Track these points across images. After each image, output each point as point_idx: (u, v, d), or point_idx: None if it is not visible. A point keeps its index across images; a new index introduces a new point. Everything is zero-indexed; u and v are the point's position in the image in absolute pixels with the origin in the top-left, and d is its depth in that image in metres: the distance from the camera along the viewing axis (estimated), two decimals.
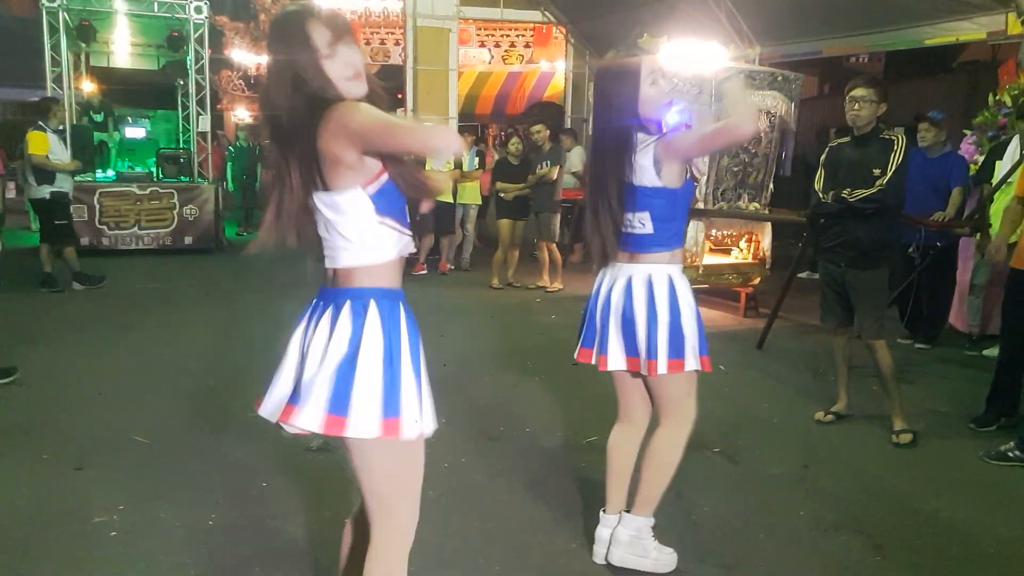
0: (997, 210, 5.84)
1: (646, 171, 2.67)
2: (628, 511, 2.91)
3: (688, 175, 2.77)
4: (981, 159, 6.49)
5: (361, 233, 1.89)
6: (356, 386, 1.83)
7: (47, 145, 7.76)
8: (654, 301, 2.69)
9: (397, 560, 2.01)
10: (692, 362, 2.72)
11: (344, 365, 1.84)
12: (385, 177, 1.86)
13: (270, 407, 1.97)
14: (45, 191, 7.88)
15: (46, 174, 7.83)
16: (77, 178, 8.88)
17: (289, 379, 1.95)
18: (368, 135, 1.79)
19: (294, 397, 1.89)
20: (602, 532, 2.95)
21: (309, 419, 1.85)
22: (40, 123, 7.90)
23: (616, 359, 2.80)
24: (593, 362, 2.87)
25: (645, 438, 2.95)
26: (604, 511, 2.98)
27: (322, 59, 1.83)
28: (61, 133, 8.36)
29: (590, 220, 2.79)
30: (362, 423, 1.83)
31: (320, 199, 1.89)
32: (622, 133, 2.69)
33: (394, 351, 1.87)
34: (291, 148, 1.86)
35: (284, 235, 1.98)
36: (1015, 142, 6.00)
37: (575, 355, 2.96)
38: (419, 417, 1.89)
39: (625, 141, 2.68)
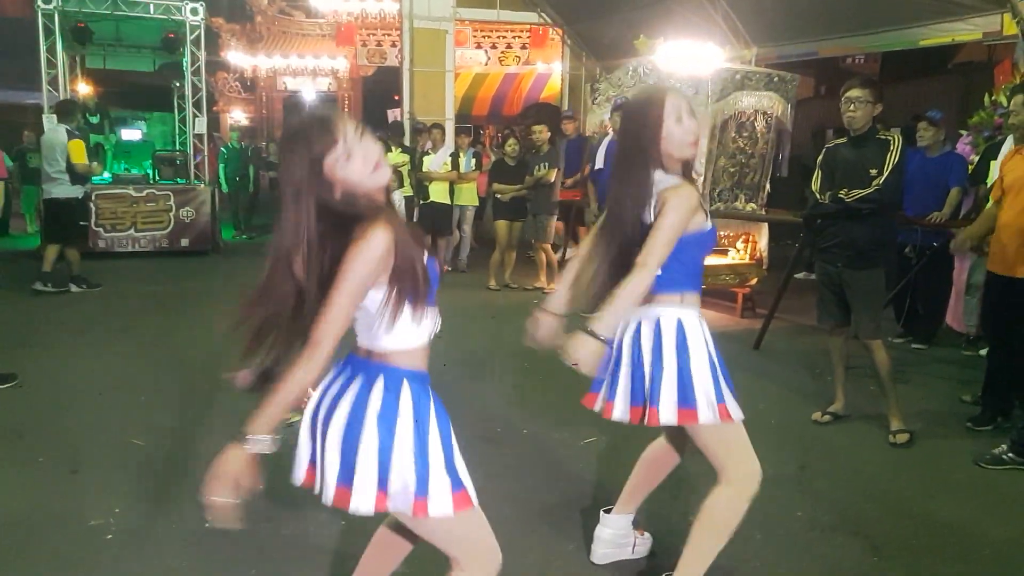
0: None
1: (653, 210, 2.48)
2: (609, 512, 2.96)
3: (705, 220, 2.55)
4: (977, 159, 6.51)
5: (387, 326, 1.88)
6: (394, 464, 1.88)
7: (84, 154, 8.10)
8: (661, 346, 2.50)
9: None
10: (707, 413, 2.48)
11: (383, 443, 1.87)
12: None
13: (318, 485, 2.02)
14: (78, 192, 8.23)
15: (79, 177, 8.13)
16: None
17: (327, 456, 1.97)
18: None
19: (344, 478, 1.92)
20: (602, 532, 2.96)
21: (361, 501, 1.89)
22: (69, 129, 8.11)
23: (621, 408, 2.59)
24: (597, 408, 2.67)
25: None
26: (605, 511, 2.98)
27: (342, 162, 1.78)
28: (80, 134, 8.40)
29: (604, 256, 2.59)
30: (437, 502, 1.90)
31: None
32: (643, 171, 2.50)
33: (422, 429, 1.91)
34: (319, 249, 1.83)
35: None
36: (1009, 142, 6.02)
37: (581, 398, 2.75)
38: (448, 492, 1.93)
39: (645, 178, 2.49)
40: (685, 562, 2.62)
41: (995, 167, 6.03)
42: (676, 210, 2.38)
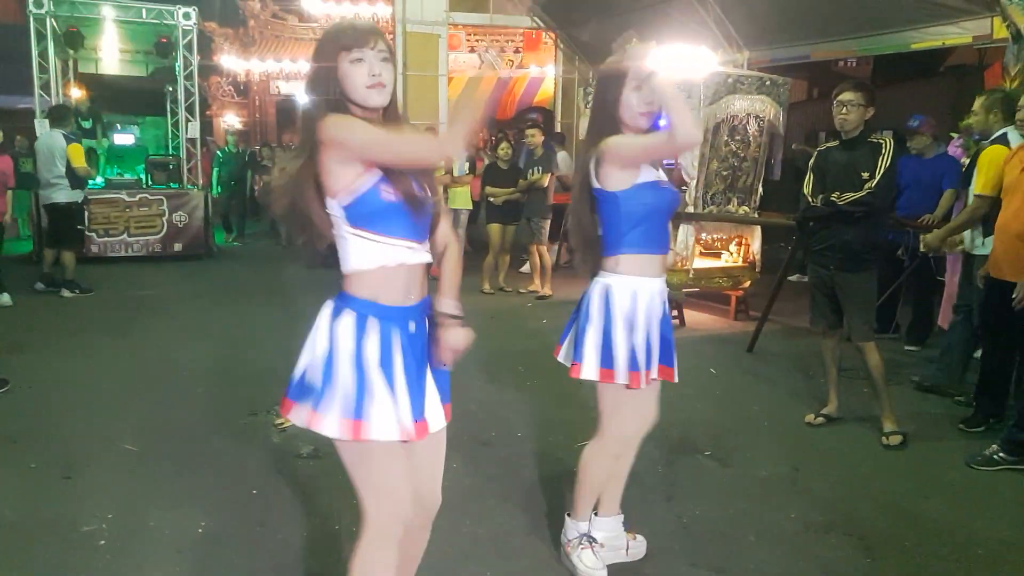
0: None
1: (593, 174, 2.66)
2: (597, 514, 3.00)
3: (655, 180, 2.68)
4: (967, 162, 6.54)
5: (343, 241, 1.99)
6: (330, 386, 1.95)
7: (83, 154, 8.23)
8: (589, 307, 2.71)
9: (369, 552, 2.06)
10: (620, 375, 2.66)
11: (325, 364, 1.97)
12: (363, 188, 1.92)
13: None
14: (79, 195, 8.34)
15: (80, 180, 8.24)
16: None
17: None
18: (359, 147, 1.89)
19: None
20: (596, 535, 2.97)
21: (297, 415, 2.00)
22: (65, 134, 8.21)
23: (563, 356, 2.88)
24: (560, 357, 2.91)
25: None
26: (596, 513, 3.00)
27: (346, 62, 1.93)
28: (75, 138, 8.41)
29: (572, 226, 2.79)
30: (327, 422, 1.95)
31: (328, 207, 1.98)
32: (594, 136, 2.66)
33: (363, 357, 1.95)
34: (305, 152, 1.95)
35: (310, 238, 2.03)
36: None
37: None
38: (385, 422, 1.95)
39: (595, 144, 2.64)
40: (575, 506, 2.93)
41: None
42: (619, 138, 2.60)
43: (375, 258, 1.98)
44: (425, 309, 2.10)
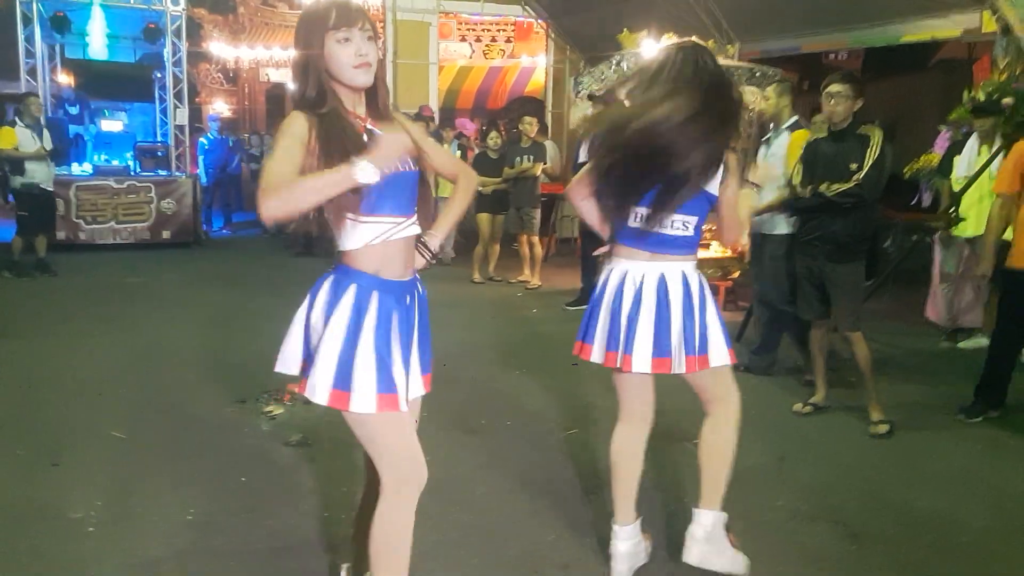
0: (968, 205, 5.96)
1: (717, 179, 2.60)
2: (698, 507, 2.84)
3: None
4: (941, 156, 6.62)
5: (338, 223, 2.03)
6: (319, 358, 2.03)
7: (14, 139, 8.10)
8: (691, 298, 2.64)
9: (388, 514, 2.17)
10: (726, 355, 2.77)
11: (325, 338, 2.05)
12: None
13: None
14: (17, 182, 8.23)
15: (17, 166, 8.17)
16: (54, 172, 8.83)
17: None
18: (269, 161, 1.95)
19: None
20: (620, 547, 2.79)
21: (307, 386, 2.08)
22: (15, 118, 8.21)
23: (643, 361, 2.62)
24: (617, 364, 2.68)
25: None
26: (617, 523, 2.82)
27: (332, 41, 1.95)
28: (36, 126, 8.29)
29: (613, 204, 2.64)
30: (318, 391, 2.03)
31: None
32: (721, 141, 2.56)
33: (355, 329, 2.02)
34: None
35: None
36: (974, 138, 6.13)
37: (586, 353, 2.77)
38: (373, 391, 2.01)
39: (720, 149, 2.57)
40: (712, 493, 2.85)
41: (958, 163, 6.16)
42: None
43: (364, 236, 2.03)
44: (416, 283, 2.19)
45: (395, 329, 2.07)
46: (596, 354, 2.74)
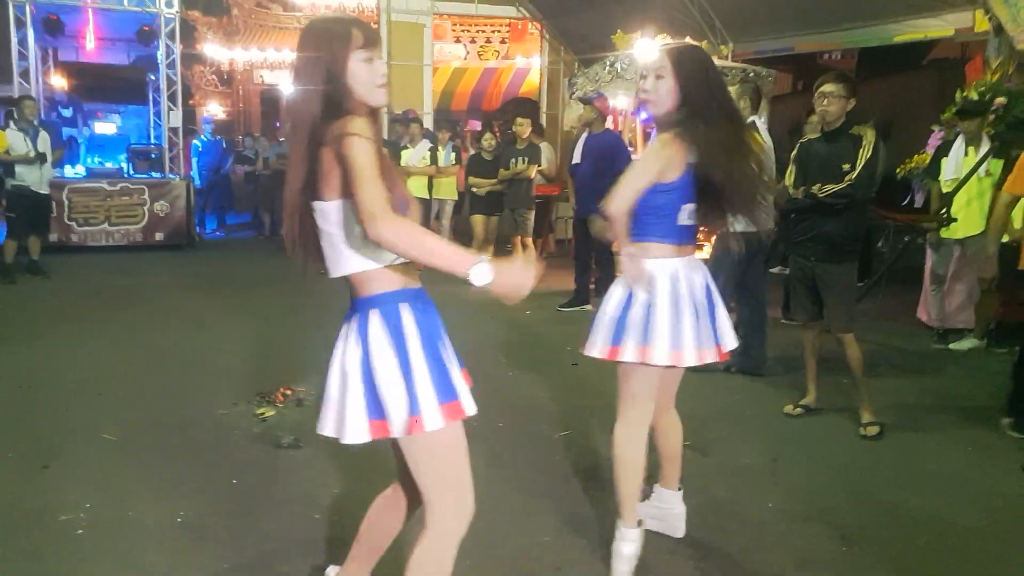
0: (958, 207, 5.98)
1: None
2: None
3: None
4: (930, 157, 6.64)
5: (357, 241, 1.95)
6: (382, 391, 1.95)
7: (4, 142, 8.14)
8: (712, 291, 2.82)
9: (439, 548, 2.12)
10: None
11: (365, 375, 1.97)
12: None
13: (331, 426, 2.07)
14: (8, 184, 8.26)
15: (8, 168, 8.20)
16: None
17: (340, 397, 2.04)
18: (349, 170, 1.84)
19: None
20: (626, 549, 2.80)
21: (356, 431, 1.98)
22: (8, 121, 8.30)
23: (726, 347, 2.86)
24: (694, 361, 2.70)
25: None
26: (625, 525, 2.81)
27: (357, 61, 1.94)
28: (28, 130, 8.28)
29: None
30: (396, 424, 1.95)
31: (316, 208, 1.97)
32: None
33: (401, 352, 1.96)
34: (302, 145, 1.95)
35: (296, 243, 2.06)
36: (960, 140, 6.15)
37: (650, 356, 2.67)
38: (437, 407, 1.96)
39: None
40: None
41: (946, 164, 6.17)
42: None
43: (388, 255, 1.96)
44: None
45: (438, 334, 2.07)
46: (689, 356, 2.69)
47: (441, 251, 1.84)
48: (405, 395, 1.94)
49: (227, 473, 3.62)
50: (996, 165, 6.01)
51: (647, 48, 7.64)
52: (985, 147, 6.03)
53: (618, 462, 2.82)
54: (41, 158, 8.27)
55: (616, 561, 2.80)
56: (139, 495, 3.38)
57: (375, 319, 1.97)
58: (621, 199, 2.58)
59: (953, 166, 6.15)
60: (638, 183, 2.60)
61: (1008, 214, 4.46)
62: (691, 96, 2.61)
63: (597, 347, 2.76)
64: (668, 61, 2.62)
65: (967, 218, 5.97)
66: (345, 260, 1.99)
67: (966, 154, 6.11)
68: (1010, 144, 5.85)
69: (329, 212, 1.95)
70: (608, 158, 6.96)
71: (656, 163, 2.63)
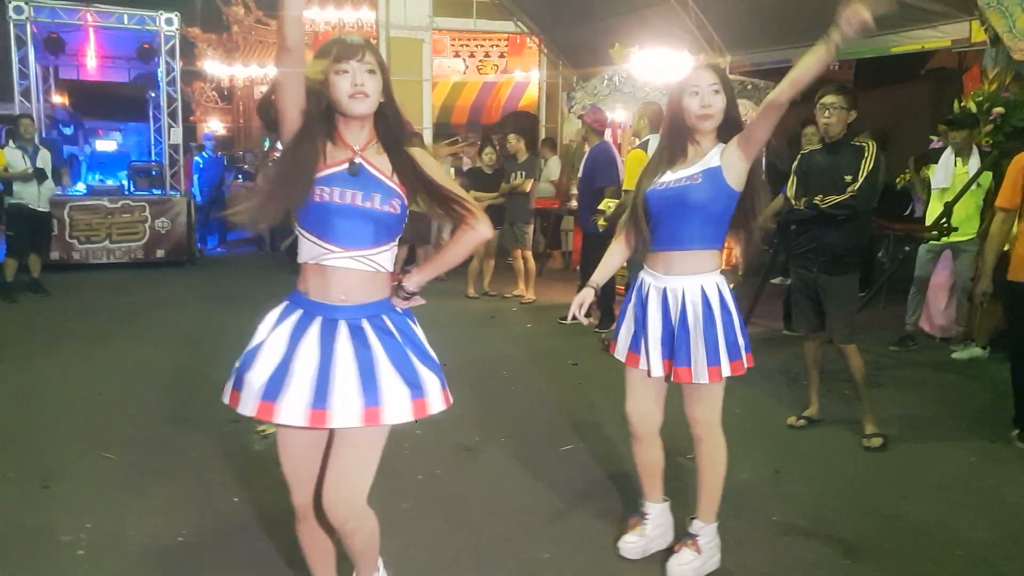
0: (960, 217, 5.99)
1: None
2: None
3: None
4: None
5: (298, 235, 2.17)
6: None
7: (2, 160, 8.17)
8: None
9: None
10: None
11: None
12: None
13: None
14: (6, 202, 8.27)
15: (7, 186, 8.23)
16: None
17: None
18: None
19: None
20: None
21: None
22: (7, 140, 8.37)
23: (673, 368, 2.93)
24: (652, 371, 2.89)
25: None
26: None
27: (332, 74, 2.06)
28: (31, 147, 8.31)
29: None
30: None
31: None
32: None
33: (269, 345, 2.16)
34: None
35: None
36: (949, 150, 6.17)
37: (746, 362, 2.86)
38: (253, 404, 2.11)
39: None
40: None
41: (934, 173, 6.21)
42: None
43: (305, 253, 2.15)
44: (370, 312, 2.16)
45: (305, 344, 2.11)
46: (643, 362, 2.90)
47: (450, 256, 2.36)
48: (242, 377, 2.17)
49: (228, 491, 3.60)
50: (986, 178, 6.04)
51: (648, 62, 7.68)
52: (975, 158, 6.05)
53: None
54: (39, 175, 8.26)
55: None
56: (139, 513, 3.37)
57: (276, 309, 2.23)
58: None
59: (942, 175, 6.19)
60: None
61: (1006, 230, 4.42)
62: (730, 111, 2.79)
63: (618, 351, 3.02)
64: (718, 77, 2.76)
65: (959, 221, 6.05)
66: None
67: (955, 164, 6.14)
68: (1009, 154, 5.86)
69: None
70: (595, 171, 7.03)
71: None
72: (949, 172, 6.16)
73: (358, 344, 2.11)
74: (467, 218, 2.21)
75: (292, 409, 2.06)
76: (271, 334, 2.14)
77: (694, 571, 2.87)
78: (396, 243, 2.19)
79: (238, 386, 2.14)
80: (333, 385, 2.06)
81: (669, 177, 2.81)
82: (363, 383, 2.08)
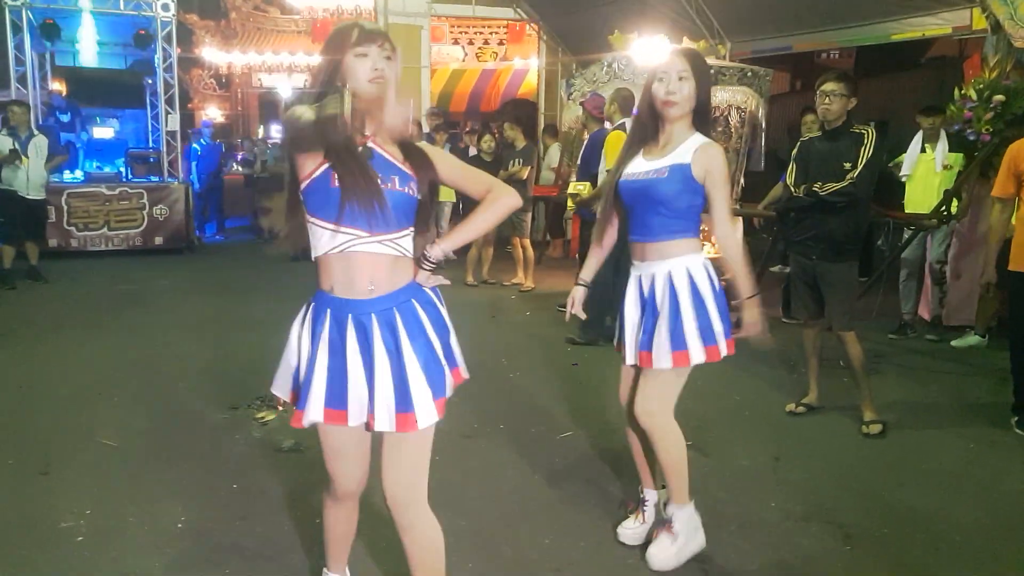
0: (918, 197, 6.08)
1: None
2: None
3: None
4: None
5: (309, 229, 2.10)
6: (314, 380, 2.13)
7: None
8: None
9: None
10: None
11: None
12: (316, 174, 2.02)
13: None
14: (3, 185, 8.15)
15: None
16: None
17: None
18: None
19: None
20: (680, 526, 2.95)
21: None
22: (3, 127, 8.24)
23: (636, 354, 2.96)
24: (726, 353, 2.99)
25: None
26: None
27: (351, 57, 2.04)
28: (25, 134, 8.26)
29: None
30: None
31: None
32: None
33: (302, 349, 2.16)
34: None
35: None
36: (918, 136, 6.23)
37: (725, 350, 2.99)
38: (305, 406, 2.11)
39: None
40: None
41: (905, 159, 6.26)
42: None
43: (323, 245, 2.07)
44: (400, 299, 2.12)
45: (323, 346, 2.10)
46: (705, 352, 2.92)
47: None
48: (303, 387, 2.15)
49: (227, 478, 3.60)
50: (955, 158, 6.09)
51: (648, 49, 7.64)
52: (942, 142, 6.15)
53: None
54: (15, 156, 8.04)
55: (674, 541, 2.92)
56: (139, 501, 3.37)
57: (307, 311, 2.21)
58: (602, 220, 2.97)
59: (908, 163, 6.26)
60: None
61: (1004, 219, 4.41)
62: (702, 98, 2.75)
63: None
64: (687, 63, 2.72)
65: (923, 206, 6.20)
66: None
67: (923, 150, 6.20)
68: (1009, 142, 5.85)
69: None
70: (594, 157, 7.02)
71: None
72: (915, 159, 6.23)
73: (391, 348, 2.10)
74: (493, 188, 2.24)
75: (354, 414, 2.12)
76: (317, 350, 2.11)
77: (673, 555, 2.86)
78: (413, 228, 2.16)
79: (302, 403, 2.12)
80: (376, 391, 2.09)
81: (639, 167, 2.82)
82: (397, 394, 2.11)
